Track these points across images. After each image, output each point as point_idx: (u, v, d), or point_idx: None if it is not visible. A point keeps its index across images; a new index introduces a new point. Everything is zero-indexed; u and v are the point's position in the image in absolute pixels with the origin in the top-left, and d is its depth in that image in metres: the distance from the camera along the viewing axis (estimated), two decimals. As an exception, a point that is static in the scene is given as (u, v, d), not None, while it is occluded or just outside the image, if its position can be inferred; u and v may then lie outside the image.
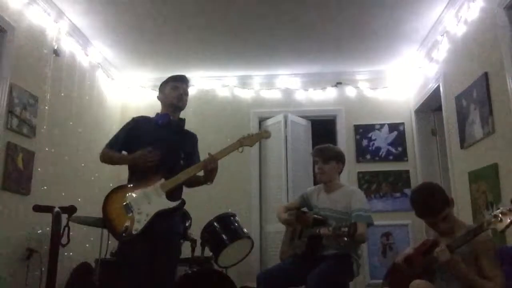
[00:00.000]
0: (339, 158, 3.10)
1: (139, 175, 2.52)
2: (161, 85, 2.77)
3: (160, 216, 2.40)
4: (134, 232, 2.34)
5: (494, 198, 3.08)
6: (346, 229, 2.46)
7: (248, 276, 4.81)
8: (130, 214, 2.38)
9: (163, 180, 2.46)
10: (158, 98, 2.77)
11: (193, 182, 2.69)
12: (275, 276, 2.86)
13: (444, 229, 2.27)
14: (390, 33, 4.31)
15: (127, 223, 2.35)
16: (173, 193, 2.50)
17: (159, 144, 2.52)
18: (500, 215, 1.93)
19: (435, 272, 2.23)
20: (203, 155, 2.66)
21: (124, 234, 2.33)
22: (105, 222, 2.47)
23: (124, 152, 2.63)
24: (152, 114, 2.79)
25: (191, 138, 2.80)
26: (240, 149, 2.59)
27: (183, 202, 2.53)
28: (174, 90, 2.69)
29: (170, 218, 2.50)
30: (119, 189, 2.51)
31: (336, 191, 3.03)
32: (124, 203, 2.42)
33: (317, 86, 5.32)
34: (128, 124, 2.70)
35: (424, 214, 2.30)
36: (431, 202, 2.23)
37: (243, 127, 5.21)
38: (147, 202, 2.42)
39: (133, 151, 2.55)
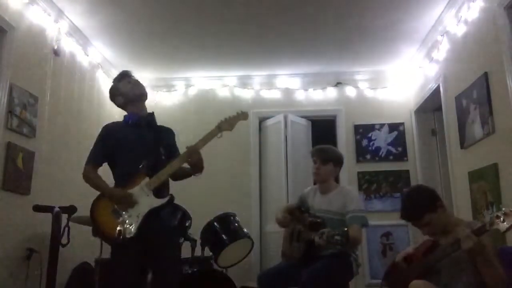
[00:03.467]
0: (338, 161, 3.10)
1: (122, 178, 2.50)
2: (112, 92, 2.70)
3: (152, 214, 2.39)
4: (128, 236, 2.32)
5: (494, 198, 3.08)
6: (339, 237, 2.47)
7: (248, 276, 4.82)
8: (120, 219, 2.36)
9: (147, 179, 2.43)
10: (118, 103, 2.68)
11: (181, 175, 2.63)
12: (276, 277, 2.86)
13: (428, 233, 2.32)
14: (390, 33, 4.31)
15: (119, 228, 2.31)
16: (160, 190, 2.48)
17: (137, 145, 2.51)
18: (502, 216, 1.92)
19: (436, 272, 2.23)
20: (203, 156, 2.63)
21: (118, 239, 2.30)
22: (96, 230, 2.46)
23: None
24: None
25: (168, 133, 2.74)
26: (219, 134, 2.54)
27: (172, 197, 2.50)
28: (127, 83, 2.65)
29: (160, 215, 2.48)
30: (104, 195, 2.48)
31: (331, 192, 3.04)
32: (112, 209, 2.39)
33: (317, 86, 5.32)
34: (100, 135, 2.63)
35: (405, 219, 2.35)
36: (410, 208, 2.31)
37: (243, 127, 5.21)
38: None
39: (114, 159, 2.55)
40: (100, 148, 2.59)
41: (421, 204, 2.28)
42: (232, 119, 2.60)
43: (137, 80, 2.70)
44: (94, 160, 2.58)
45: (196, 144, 2.49)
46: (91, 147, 2.64)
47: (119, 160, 2.55)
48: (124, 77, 2.69)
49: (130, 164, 2.49)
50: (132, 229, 2.33)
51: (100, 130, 2.66)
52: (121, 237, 2.30)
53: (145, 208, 2.38)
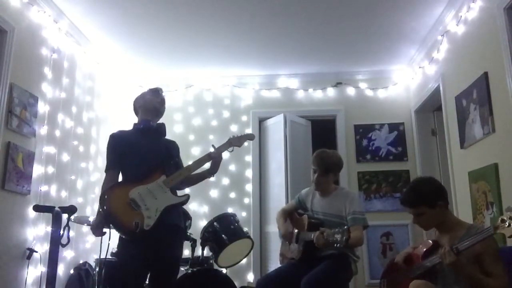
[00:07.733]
0: (338, 169, 3.07)
1: (134, 176, 2.56)
2: (135, 99, 2.84)
3: (168, 210, 2.47)
4: (146, 228, 2.37)
5: (494, 198, 3.08)
6: (339, 235, 2.40)
7: (248, 276, 4.82)
8: (138, 210, 2.41)
9: (164, 177, 2.52)
10: (136, 107, 2.80)
11: (195, 179, 2.74)
12: (274, 281, 2.83)
13: (417, 224, 2.36)
14: (390, 33, 4.31)
15: (137, 219, 2.37)
16: (173, 190, 2.59)
17: (149, 150, 2.61)
18: (508, 220, 1.90)
19: (436, 273, 2.23)
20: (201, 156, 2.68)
21: (136, 230, 2.35)
22: (110, 219, 2.47)
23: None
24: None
25: (174, 145, 2.84)
26: (230, 148, 2.72)
27: (189, 197, 2.59)
28: (155, 96, 2.77)
29: (172, 212, 2.55)
30: (119, 186, 2.54)
31: (330, 194, 3.03)
32: (129, 200, 2.44)
33: (317, 86, 5.32)
34: (109, 144, 2.71)
35: (402, 202, 2.40)
36: (408, 194, 2.35)
37: (243, 127, 5.23)
38: (153, 197, 2.46)
39: (125, 167, 2.63)
40: (112, 157, 2.67)
41: (422, 194, 2.29)
42: (241, 137, 2.78)
43: (164, 99, 2.82)
44: (114, 167, 2.65)
45: (217, 149, 2.67)
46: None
47: (131, 162, 2.61)
48: (155, 93, 2.81)
49: (142, 166, 2.56)
50: (151, 222, 2.38)
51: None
52: (138, 229, 2.34)
53: (163, 203, 2.46)
